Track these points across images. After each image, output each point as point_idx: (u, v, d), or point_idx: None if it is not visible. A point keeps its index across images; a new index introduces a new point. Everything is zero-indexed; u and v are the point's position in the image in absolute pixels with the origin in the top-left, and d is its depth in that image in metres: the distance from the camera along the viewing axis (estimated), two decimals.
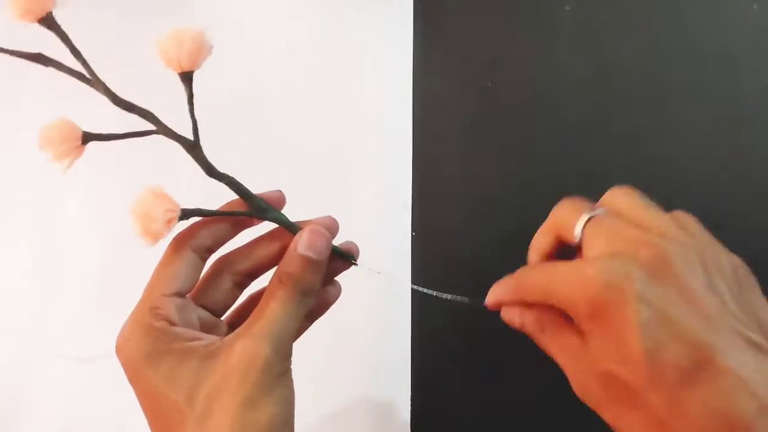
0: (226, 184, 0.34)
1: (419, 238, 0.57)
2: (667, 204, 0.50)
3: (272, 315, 0.32)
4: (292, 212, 0.37)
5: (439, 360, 0.56)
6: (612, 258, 0.28)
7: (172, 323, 0.33)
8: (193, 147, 0.33)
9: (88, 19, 0.64)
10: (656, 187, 0.51)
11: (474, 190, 0.56)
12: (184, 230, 0.35)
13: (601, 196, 0.54)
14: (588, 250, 0.30)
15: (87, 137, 0.32)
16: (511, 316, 0.33)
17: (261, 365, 0.31)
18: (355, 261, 0.37)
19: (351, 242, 0.38)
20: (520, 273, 0.32)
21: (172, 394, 0.31)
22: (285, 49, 0.63)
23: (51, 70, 0.32)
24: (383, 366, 0.58)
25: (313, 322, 0.38)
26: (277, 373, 0.32)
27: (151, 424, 0.32)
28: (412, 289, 0.56)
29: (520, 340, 0.53)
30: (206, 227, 0.35)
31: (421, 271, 0.57)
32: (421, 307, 0.57)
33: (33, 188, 0.65)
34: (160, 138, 0.34)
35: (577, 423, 0.51)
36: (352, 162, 0.60)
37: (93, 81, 0.32)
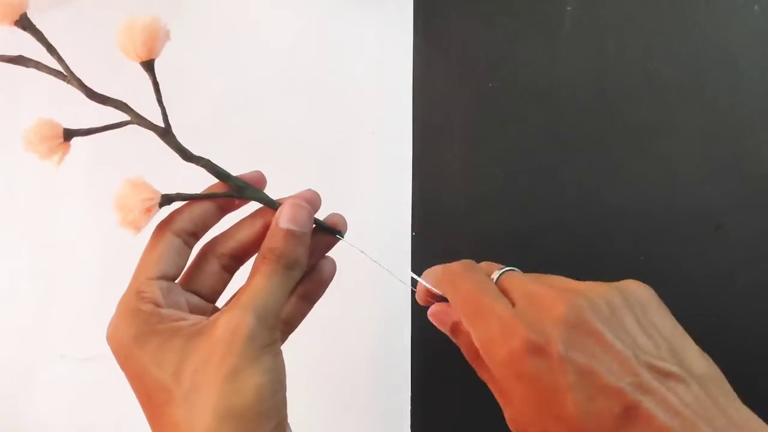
0: (202, 166, 0.35)
1: (419, 238, 0.57)
2: (667, 205, 0.50)
3: (255, 288, 0.32)
4: None
5: (439, 359, 0.56)
6: (531, 317, 0.29)
7: (158, 305, 0.33)
8: (165, 133, 0.34)
9: (89, 18, 0.65)
10: (656, 187, 0.52)
11: (474, 190, 0.56)
12: (165, 216, 0.35)
13: (601, 196, 0.53)
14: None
15: (69, 133, 0.32)
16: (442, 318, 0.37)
17: (245, 336, 0.31)
18: (341, 235, 0.37)
19: (338, 215, 0.37)
20: (458, 270, 0.35)
21: (158, 373, 0.31)
22: (285, 49, 0.63)
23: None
24: (383, 366, 0.58)
25: (311, 304, 0.38)
26: (262, 344, 0.31)
27: (142, 405, 0.32)
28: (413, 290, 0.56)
29: None
30: (186, 210, 0.35)
31: (421, 272, 0.56)
32: (421, 307, 0.57)
33: (33, 189, 0.65)
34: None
35: None
36: (352, 162, 0.60)
37: (69, 77, 0.32)
